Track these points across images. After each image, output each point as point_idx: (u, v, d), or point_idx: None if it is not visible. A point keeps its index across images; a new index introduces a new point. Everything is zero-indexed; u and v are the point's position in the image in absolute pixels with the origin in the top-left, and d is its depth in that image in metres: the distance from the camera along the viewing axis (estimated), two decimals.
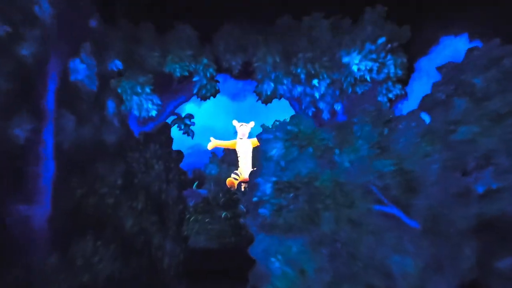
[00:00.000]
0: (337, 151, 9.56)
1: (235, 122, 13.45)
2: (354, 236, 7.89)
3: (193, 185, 16.11)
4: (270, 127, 15.14)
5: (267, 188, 9.70)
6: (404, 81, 13.94)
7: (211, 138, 13.46)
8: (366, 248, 7.65)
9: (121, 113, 13.78)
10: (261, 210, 9.28)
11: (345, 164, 9.28)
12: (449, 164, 8.22)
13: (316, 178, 9.37)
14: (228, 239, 13.89)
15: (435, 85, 10.15)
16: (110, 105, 13.34)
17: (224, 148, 16.30)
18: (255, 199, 9.64)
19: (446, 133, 8.60)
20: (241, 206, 14.67)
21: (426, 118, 9.17)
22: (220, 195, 14.88)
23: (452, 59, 11.64)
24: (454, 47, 12.33)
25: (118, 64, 13.69)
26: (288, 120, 16.86)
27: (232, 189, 13.34)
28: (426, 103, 9.88)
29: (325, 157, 9.65)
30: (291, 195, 9.05)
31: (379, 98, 14.58)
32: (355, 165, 8.98)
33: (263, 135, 10.93)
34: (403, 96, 13.99)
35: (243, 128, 13.43)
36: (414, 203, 7.98)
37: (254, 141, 12.60)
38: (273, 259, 8.77)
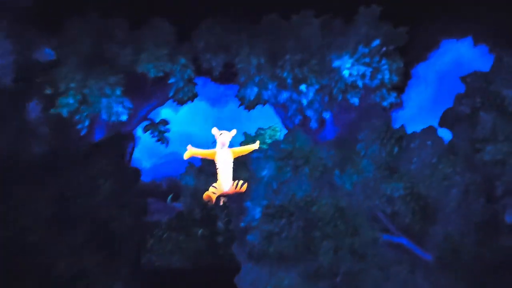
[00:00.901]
0: (337, 172, 8.32)
1: (214, 130, 11.73)
2: (356, 269, 6.68)
3: (167, 198, 14.61)
4: (253, 135, 13.85)
5: (257, 212, 8.43)
6: (400, 88, 12.86)
7: (188, 147, 11.68)
8: (371, 284, 6.43)
9: (49, 117, 10.85)
10: (250, 237, 7.96)
11: (347, 187, 8.08)
12: (472, 189, 7.09)
13: (313, 202, 8.15)
14: (204, 259, 12.51)
15: (457, 97, 9.02)
16: (33, 107, 10.47)
17: (202, 158, 14.86)
18: (242, 224, 8.35)
19: (470, 153, 7.49)
20: (219, 223, 13.28)
21: (446, 135, 8.02)
22: (196, 210, 13.49)
23: (453, 65, 10.62)
24: (456, 51, 11.29)
25: (48, 54, 11.20)
26: (273, 128, 15.72)
27: (209, 203, 11.72)
28: (447, 118, 8.74)
29: (324, 179, 8.40)
30: (284, 221, 7.79)
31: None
32: (358, 188, 7.78)
33: (254, 154, 9.48)
34: (399, 105, 12.89)
35: (223, 137, 11.68)
36: (429, 233, 6.82)
37: (236, 151, 10.94)
38: None
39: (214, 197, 10.51)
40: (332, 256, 6.89)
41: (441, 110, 10.84)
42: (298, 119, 13.77)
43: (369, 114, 11.71)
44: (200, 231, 13.16)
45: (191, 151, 10.99)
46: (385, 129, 8.64)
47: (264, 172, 8.97)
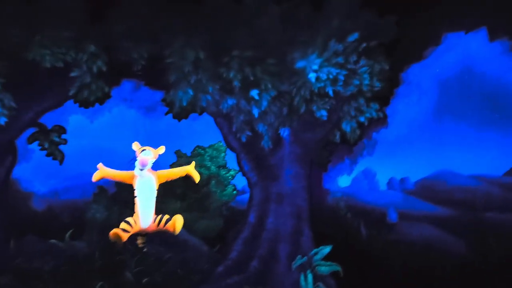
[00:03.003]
0: None
1: (135, 145, 7.89)
2: None
3: (66, 234, 10.70)
4: (189, 155, 10.47)
5: None
6: (383, 99, 9.53)
7: (99, 165, 7.84)
8: None
9: None
10: None
11: None
12: None
13: None
14: None
15: None
16: None
17: (116, 182, 11.12)
18: None
19: None
20: (127, 274, 9.45)
21: None
22: (97, 254, 9.71)
23: (460, 67, 7.34)
24: (463, 48, 8.01)
25: None
26: (216, 146, 12.12)
27: (118, 244, 7.91)
28: None
29: None
30: None
31: (343, 125, 10.06)
32: None
33: None
34: (381, 122, 9.55)
35: (145, 155, 7.93)
36: None
37: (162, 175, 7.67)
38: None
39: (125, 237, 7.20)
40: None
41: (442, 131, 7.62)
42: (245, 135, 10.25)
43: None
44: (99, 285, 9.29)
45: (102, 172, 7.74)
46: None
47: None
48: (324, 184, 11.71)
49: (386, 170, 11.68)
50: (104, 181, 12.00)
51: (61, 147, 11.09)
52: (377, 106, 9.56)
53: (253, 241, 10.08)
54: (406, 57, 9.23)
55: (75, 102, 10.00)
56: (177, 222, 6.38)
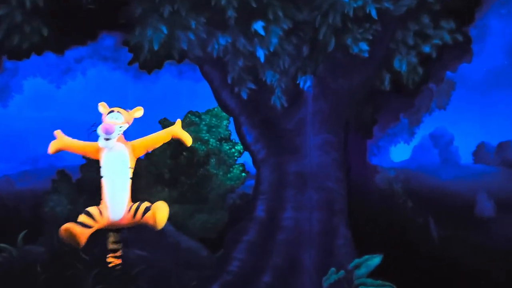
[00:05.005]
0: None
1: (102, 107, 6.51)
2: None
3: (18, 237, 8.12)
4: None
5: None
6: (462, 14, 5.94)
7: (57, 133, 6.52)
8: None
9: None
10: None
11: None
12: None
13: None
14: None
15: None
16: None
17: (81, 165, 8.46)
18: None
19: None
20: None
21: None
22: (38, 267, 6.94)
23: None
24: None
25: None
26: (215, 112, 8.95)
27: (75, 246, 5.91)
28: None
29: None
30: None
31: (396, 62, 6.51)
32: None
33: None
34: (461, 52, 6.00)
35: (112, 119, 6.32)
36: None
37: (138, 145, 6.31)
38: None
39: (84, 235, 5.81)
40: None
41: None
42: (246, 89, 6.98)
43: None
44: None
45: (60, 141, 6.45)
46: None
47: None
48: (370, 158, 8.19)
49: (470, 132, 7.89)
50: (67, 164, 9.27)
51: (14, 121, 8.51)
52: (452, 25, 6.04)
53: (262, 245, 6.93)
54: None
55: (3, 54, 7.16)
56: (159, 212, 5.27)
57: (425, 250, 6.68)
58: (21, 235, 8.25)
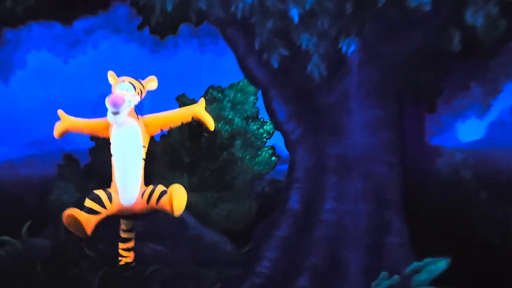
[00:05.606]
0: None
1: (111, 77, 5.72)
2: None
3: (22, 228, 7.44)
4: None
5: None
6: None
7: (60, 113, 5.92)
8: None
9: None
10: None
11: None
12: None
13: None
14: None
15: None
16: None
17: (90, 149, 7.75)
18: None
19: None
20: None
21: None
22: (38, 266, 6.15)
23: None
24: None
25: None
26: (240, 86, 7.92)
27: (81, 235, 5.31)
28: None
29: None
30: None
31: (468, 15, 5.21)
32: None
33: None
34: None
35: (121, 90, 5.46)
36: None
37: (153, 121, 5.83)
38: None
39: (90, 222, 5.40)
40: None
41: None
42: (277, 55, 5.87)
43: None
44: None
45: (65, 122, 5.99)
46: None
47: None
48: (430, 138, 6.94)
49: None
50: (76, 147, 8.49)
51: (17, 99, 7.75)
52: None
53: (298, 243, 5.95)
54: None
55: None
56: (176, 196, 4.90)
57: (504, 253, 5.54)
58: (25, 226, 7.59)
